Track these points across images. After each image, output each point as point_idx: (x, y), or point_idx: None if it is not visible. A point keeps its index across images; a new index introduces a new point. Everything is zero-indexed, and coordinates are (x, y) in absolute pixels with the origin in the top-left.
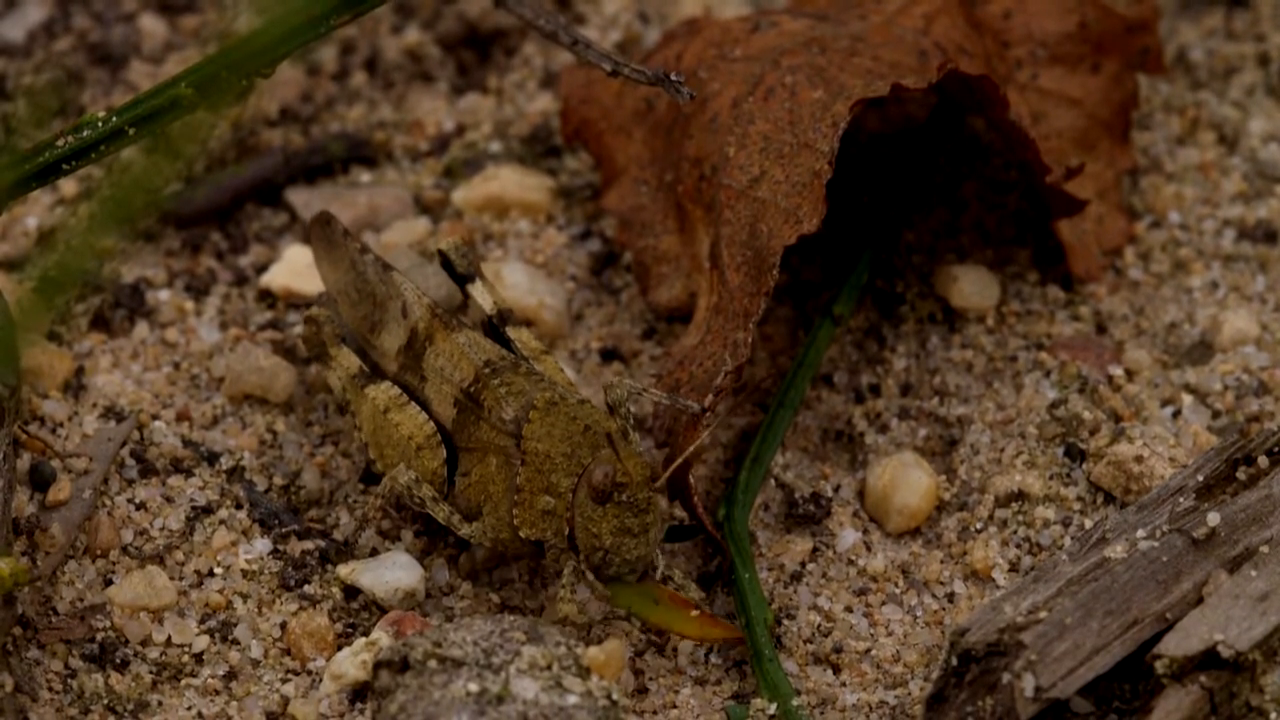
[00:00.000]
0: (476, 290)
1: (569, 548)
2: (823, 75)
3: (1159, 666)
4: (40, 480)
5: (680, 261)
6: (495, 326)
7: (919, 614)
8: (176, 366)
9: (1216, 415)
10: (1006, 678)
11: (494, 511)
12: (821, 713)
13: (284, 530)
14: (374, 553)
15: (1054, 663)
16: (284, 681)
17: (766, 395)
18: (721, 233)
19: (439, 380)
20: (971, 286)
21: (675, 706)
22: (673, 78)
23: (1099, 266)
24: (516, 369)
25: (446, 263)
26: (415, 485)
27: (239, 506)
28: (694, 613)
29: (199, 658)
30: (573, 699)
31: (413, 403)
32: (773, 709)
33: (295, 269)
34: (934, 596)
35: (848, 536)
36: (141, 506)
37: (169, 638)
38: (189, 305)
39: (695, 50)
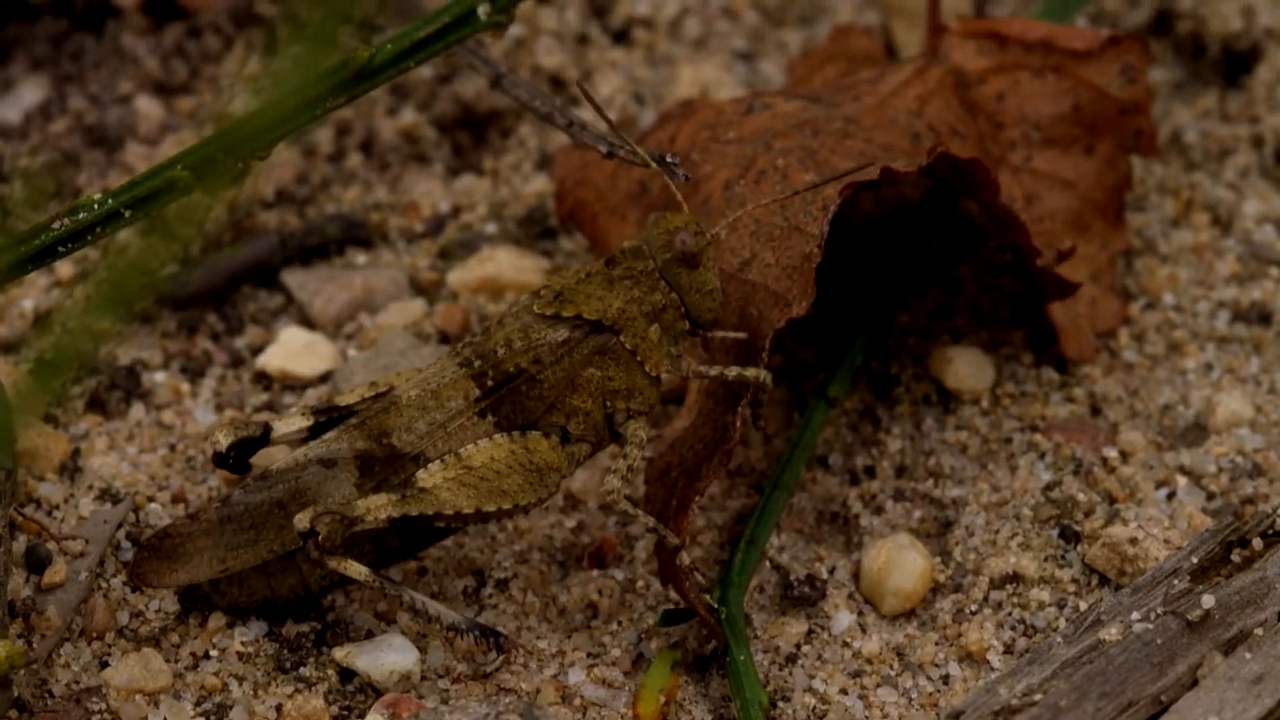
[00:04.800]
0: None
1: (697, 337)
2: (814, 158)
3: None
4: (36, 562)
5: None
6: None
7: (914, 696)
8: (172, 448)
9: (1211, 497)
10: None
11: (634, 390)
12: None
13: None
14: (369, 635)
15: None
16: None
17: (761, 477)
18: None
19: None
20: (966, 368)
21: None
22: (668, 159)
23: (1091, 349)
24: (486, 331)
25: (230, 450)
26: (619, 496)
27: None
28: None
29: None
30: None
31: (513, 435)
32: None
33: (291, 351)
34: (929, 679)
35: (843, 619)
36: (138, 589)
37: None
38: (185, 387)
39: (689, 132)
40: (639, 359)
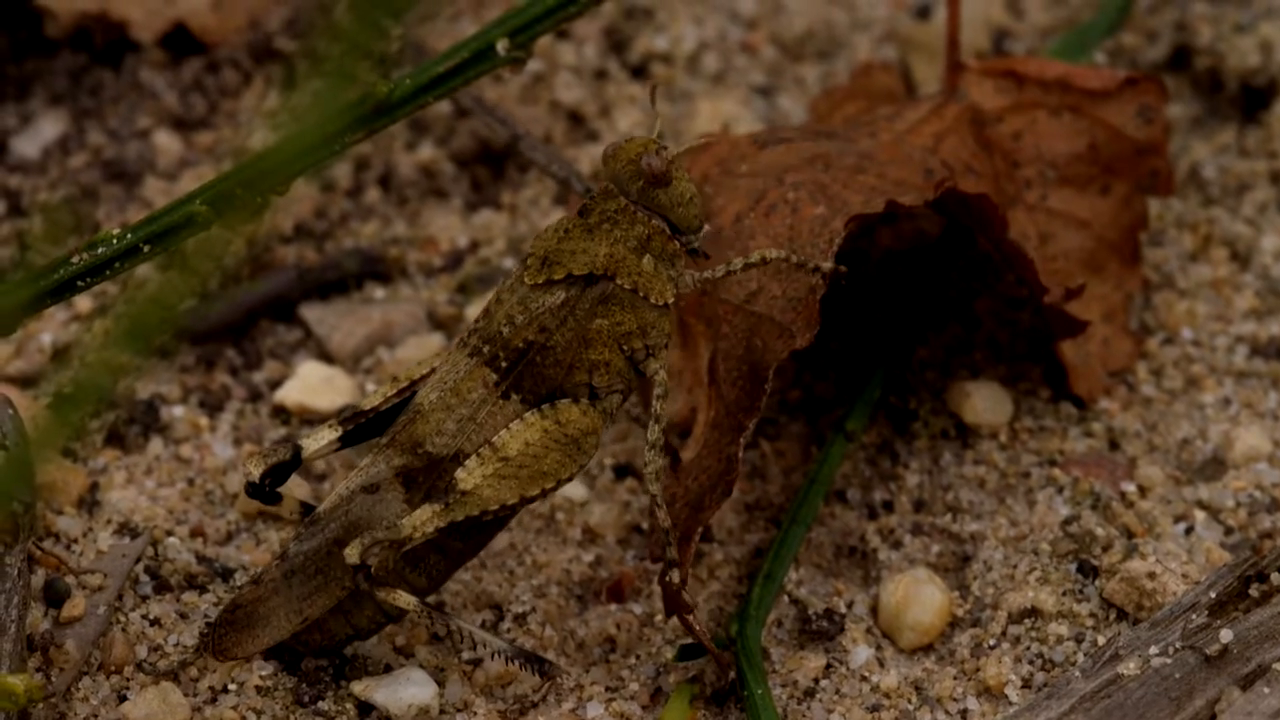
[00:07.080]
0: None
1: (689, 246)
2: (825, 192)
3: None
4: (55, 596)
5: (683, 376)
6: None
7: None
8: (191, 483)
9: (1229, 532)
10: None
11: (647, 326)
12: None
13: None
14: (388, 668)
15: None
16: None
17: (779, 511)
18: (719, 347)
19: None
20: (984, 403)
21: None
22: None
23: (1102, 388)
24: (487, 314)
25: (264, 479)
26: (657, 476)
27: None
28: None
29: None
30: None
31: (543, 409)
32: None
33: (309, 385)
34: (947, 713)
35: (861, 653)
36: (156, 623)
37: None
38: (203, 421)
39: (702, 166)
40: (641, 294)
